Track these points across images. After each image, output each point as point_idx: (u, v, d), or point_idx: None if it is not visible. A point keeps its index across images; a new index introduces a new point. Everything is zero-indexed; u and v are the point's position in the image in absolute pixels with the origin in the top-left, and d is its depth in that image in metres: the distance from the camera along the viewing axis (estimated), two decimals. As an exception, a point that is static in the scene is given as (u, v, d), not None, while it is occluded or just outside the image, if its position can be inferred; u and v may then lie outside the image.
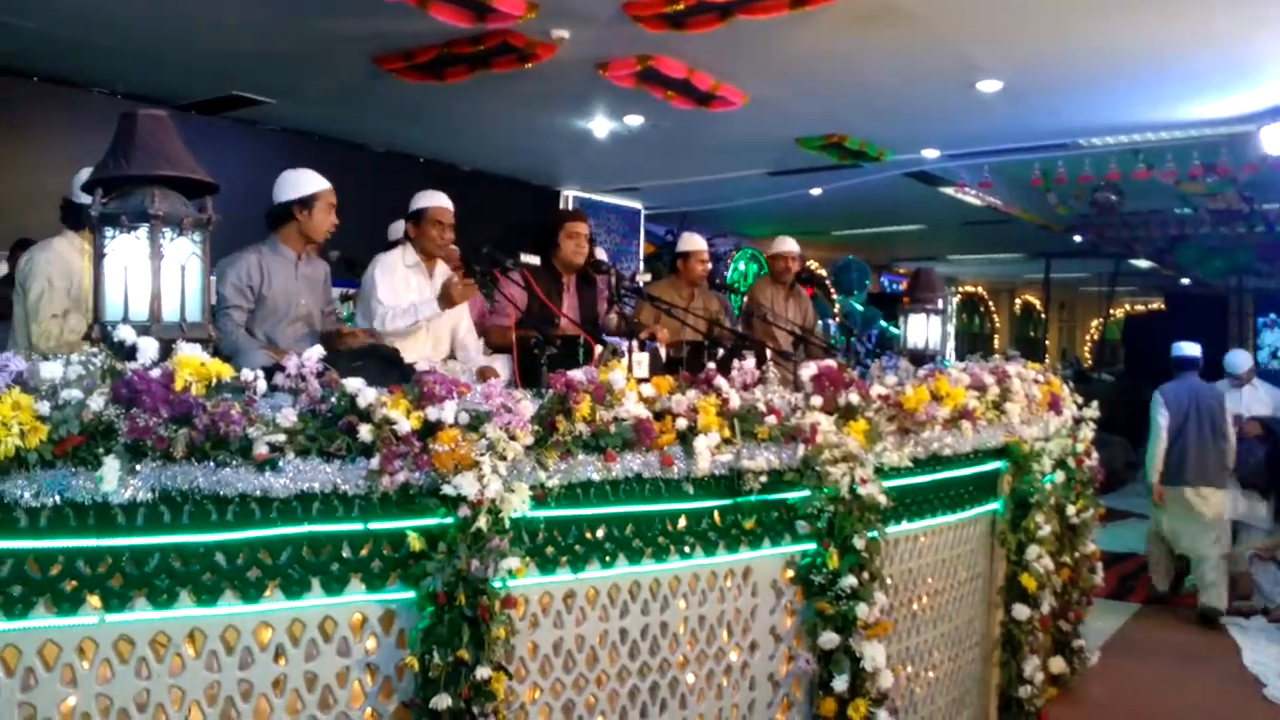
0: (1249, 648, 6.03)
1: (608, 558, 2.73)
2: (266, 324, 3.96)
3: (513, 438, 2.41)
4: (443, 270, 4.53)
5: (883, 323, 11.09)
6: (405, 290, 4.35)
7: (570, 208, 10.57)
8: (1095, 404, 5.38)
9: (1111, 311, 19.62)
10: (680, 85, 6.42)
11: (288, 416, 2.21)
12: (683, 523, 2.90)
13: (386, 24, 5.53)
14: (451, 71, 6.14)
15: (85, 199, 2.92)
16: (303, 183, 3.96)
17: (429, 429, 2.33)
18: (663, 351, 4.60)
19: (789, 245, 6.67)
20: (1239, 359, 7.35)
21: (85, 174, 3.63)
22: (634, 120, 7.61)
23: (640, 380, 2.94)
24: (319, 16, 5.46)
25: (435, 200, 4.44)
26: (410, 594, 2.36)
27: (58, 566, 2.02)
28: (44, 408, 1.99)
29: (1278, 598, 6.77)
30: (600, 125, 7.80)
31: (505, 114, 7.48)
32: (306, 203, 3.94)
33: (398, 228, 5.35)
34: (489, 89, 6.61)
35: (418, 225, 4.43)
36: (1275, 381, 7.58)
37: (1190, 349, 7.09)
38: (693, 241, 6.15)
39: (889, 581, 3.48)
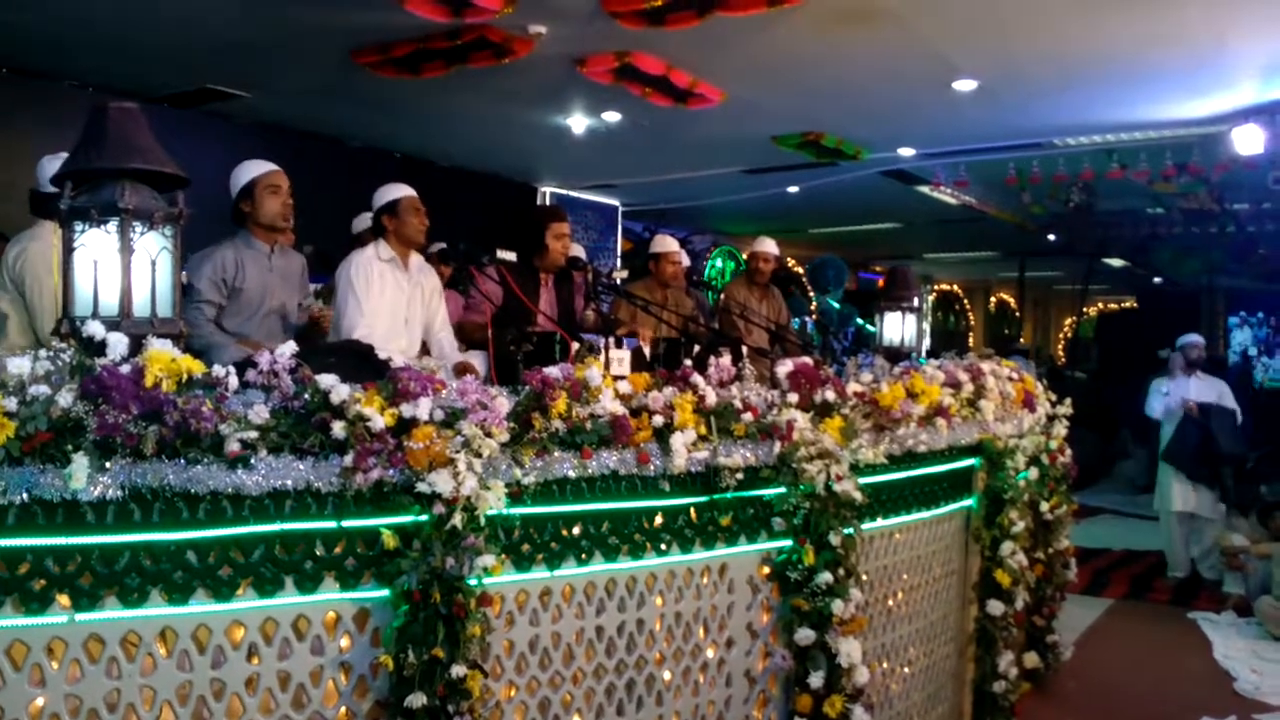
0: (1220, 642, 6.10)
1: (584, 555, 2.73)
2: (239, 318, 3.91)
3: (488, 435, 2.39)
4: (418, 262, 4.49)
5: (859, 320, 11.12)
6: (383, 293, 4.29)
7: (548, 204, 10.52)
8: (1069, 401, 5.42)
9: (1085, 310, 19.79)
10: (658, 82, 6.41)
11: (260, 413, 2.19)
12: (659, 520, 2.90)
13: (363, 18, 5.49)
14: (428, 66, 6.10)
15: (51, 189, 2.86)
16: (241, 174, 3.95)
17: (404, 426, 2.31)
18: (646, 350, 4.58)
19: (767, 246, 6.71)
20: (1193, 337, 7.58)
21: (48, 162, 3.57)
22: (612, 117, 7.60)
23: (618, 377, 2.93)
24: (294, 9, 5.41)
25: (405, 190, 4.39)
26: (385, 592, 2.35)
27: (26, 565, 1.99)
28: (11, 404, 1.96)
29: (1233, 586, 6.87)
30: (578, 122, 7.78)
31: (482, 110, 7.45)
32: (248, 192, 3.93)
33: (363, 220, 5.28)
34: (466, 85, 6.57)
35: (395, 216, 4.33)
36: (1247, 379, 7.72)
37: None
38: (664, 243, 6.16)
39: (864, 578, 3.49)
